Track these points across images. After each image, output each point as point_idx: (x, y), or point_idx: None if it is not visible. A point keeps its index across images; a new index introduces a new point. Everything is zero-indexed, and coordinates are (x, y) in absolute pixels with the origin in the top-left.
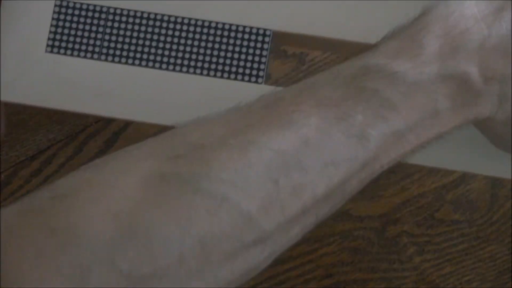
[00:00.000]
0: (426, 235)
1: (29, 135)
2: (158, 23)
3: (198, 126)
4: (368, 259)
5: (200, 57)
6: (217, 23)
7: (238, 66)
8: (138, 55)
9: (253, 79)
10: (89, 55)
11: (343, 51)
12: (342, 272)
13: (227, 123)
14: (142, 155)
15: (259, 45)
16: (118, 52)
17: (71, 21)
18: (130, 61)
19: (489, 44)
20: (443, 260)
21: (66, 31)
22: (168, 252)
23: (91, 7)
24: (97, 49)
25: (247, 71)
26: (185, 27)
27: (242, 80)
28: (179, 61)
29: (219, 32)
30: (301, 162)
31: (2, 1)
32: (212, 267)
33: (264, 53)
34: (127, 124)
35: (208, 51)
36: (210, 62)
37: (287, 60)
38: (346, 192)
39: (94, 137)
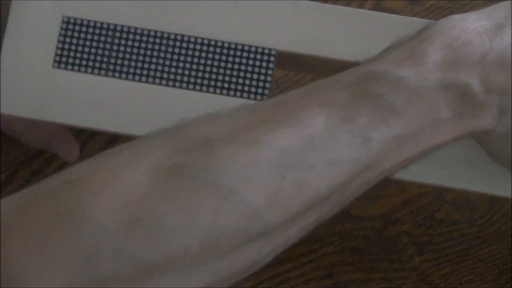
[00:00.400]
0: (426, 235)
1: None
2: (164, 41)
3: (207, 121)
4: (368, 259)
5: (206, 75)
6: (223, 42)
7: (243, 84)
8: (145, 72)
9: (258, 97)
10: (96, 71)
11: None
12: (342, 272)
13: (236, 119)
14: (153, 146)
15: (264, 64)
16: (125, 69)
17: (78, 38)
18: (137, 77)
19: (490, 57)
20: (443, 260)
21: (73, 47)
22: (175, 242)
23: (98, 24)
24: (104, 65)
25: (253, 89)
26: (191, 46)
27: (248, 98)
28: (185, 79)
29: (225, 51)
30: (306, 160)
31: (10, 16)
32: (216, 258)
33: (269, 72)
34: None
35: (214, 69)
36: (216, 80)
37: None
38: (347, 193)
39: (94, 137)
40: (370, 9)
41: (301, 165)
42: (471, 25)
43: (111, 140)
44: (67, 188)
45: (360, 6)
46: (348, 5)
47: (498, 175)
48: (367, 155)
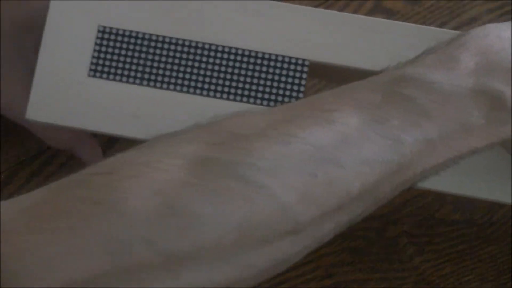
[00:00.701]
0: (426, 235)
1: (30, 135)
2: (199, 51)
3: (240, 117)
4: (368, 259)
5: (240, 85)
6: (257, 52)
7: (277, 94)
8: (179, 82)
9: None
10: (131, 80)
11: None
12: (342, 272)
13: (268, 116)
14: (186, 140)
15: (297, 74)
16: (159, 78)
17: (114, 47)
18: (171, 87)
19: None
20: (443, 260)
21: (108, 56)
22: (206, 233)
23: (133, 34)
24: (138, 75)
25: (286, 99)
26: (225, 55)
27: None
28: (219, 88)
29: (259, 61)
30: (338, 159)
31: (46, 25)
32: (246, 252)
33: (302, 82)
34: None
35: (248, 79)
36: (250, 90)
37: None
38: (379, 195)
39: (94, 136)
40: (370, 9)
41: (332, 163)
42: (504, 34)
43: (111, 139)
44: (100, 178)
45: (360, 6)
46: (347, 5)
47: (498, 181)
48: (399, 157)
